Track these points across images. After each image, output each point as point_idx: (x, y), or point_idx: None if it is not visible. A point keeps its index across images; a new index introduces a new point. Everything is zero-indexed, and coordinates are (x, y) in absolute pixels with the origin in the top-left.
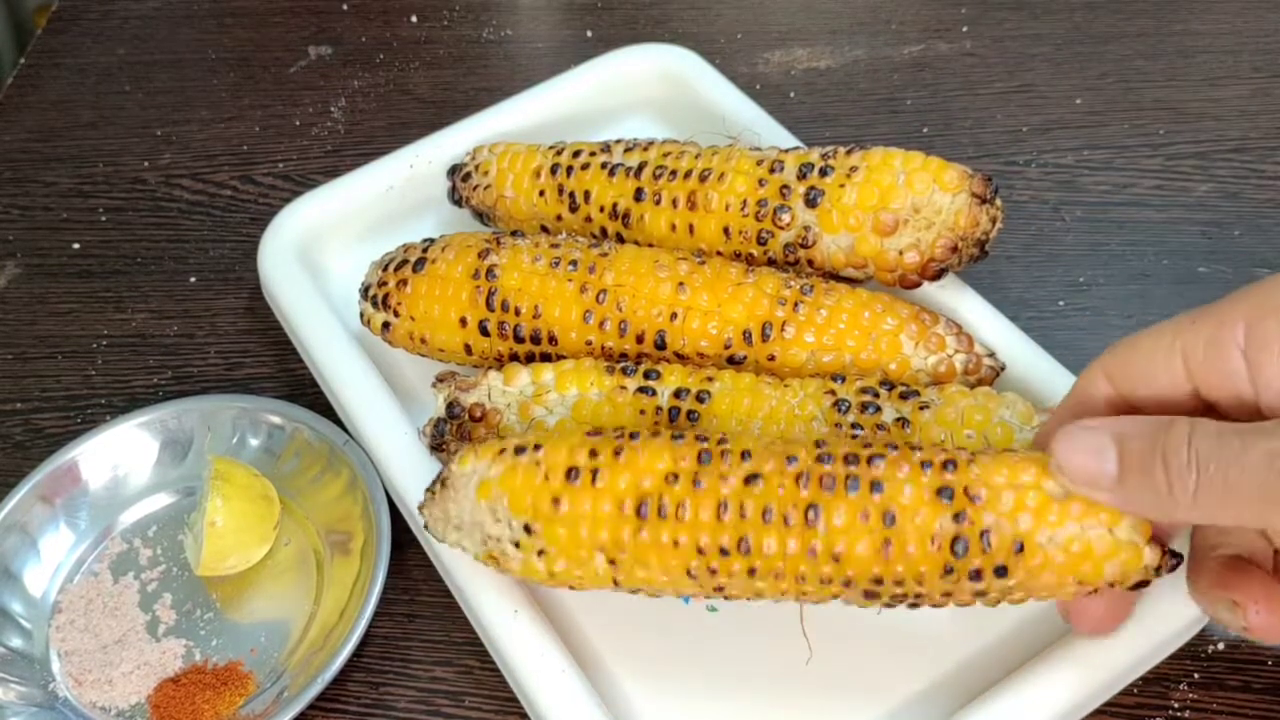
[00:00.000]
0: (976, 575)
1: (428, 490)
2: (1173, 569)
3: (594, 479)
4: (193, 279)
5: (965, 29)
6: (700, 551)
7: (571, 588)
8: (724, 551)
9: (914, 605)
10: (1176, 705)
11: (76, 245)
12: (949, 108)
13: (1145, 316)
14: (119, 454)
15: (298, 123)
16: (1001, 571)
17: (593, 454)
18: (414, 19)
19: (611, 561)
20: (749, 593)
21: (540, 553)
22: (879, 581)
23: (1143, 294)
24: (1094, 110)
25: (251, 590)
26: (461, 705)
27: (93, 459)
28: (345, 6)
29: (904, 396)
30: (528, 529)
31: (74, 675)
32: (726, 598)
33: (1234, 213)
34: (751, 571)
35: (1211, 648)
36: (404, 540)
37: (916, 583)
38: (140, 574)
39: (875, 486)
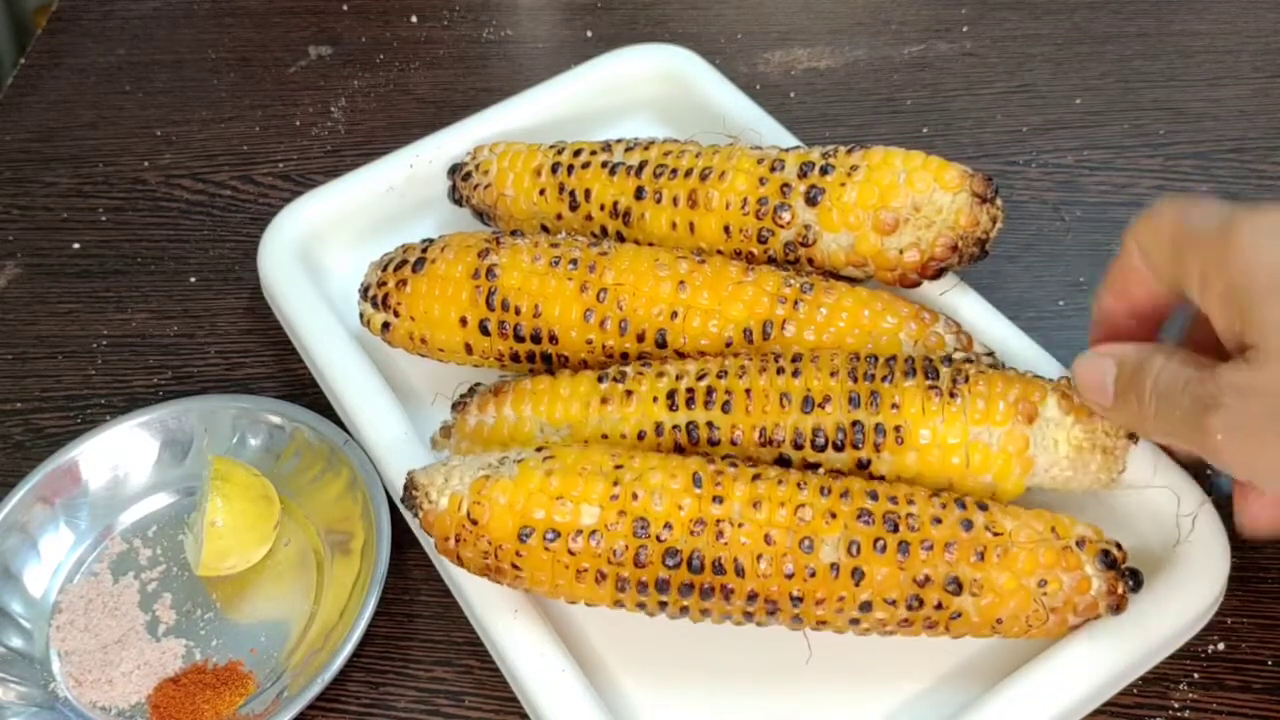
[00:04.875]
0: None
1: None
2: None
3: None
4: (193, 279)
5: (965, 29)
6: (710, 461)
7: (553, 535)
8: (732, 463)
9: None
10: (1176, 705)
11: (76, 245)
12: (949, 108)
13: None
14: (119, 454)
15: (298, 123)
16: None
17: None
18: (414, 19)
19: (617, 466)
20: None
21: (548, 458)
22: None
23: None
24: (1094, 110)
25: (251, 590)
26: (461, 705)
27: (93, 459)
28: (345, 6)
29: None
30: (541, 449)
31: (74, 675)
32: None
33: None
34: (755, 477)
35: (1211, 648)
36: (404, 540)
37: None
38: (140, 574)
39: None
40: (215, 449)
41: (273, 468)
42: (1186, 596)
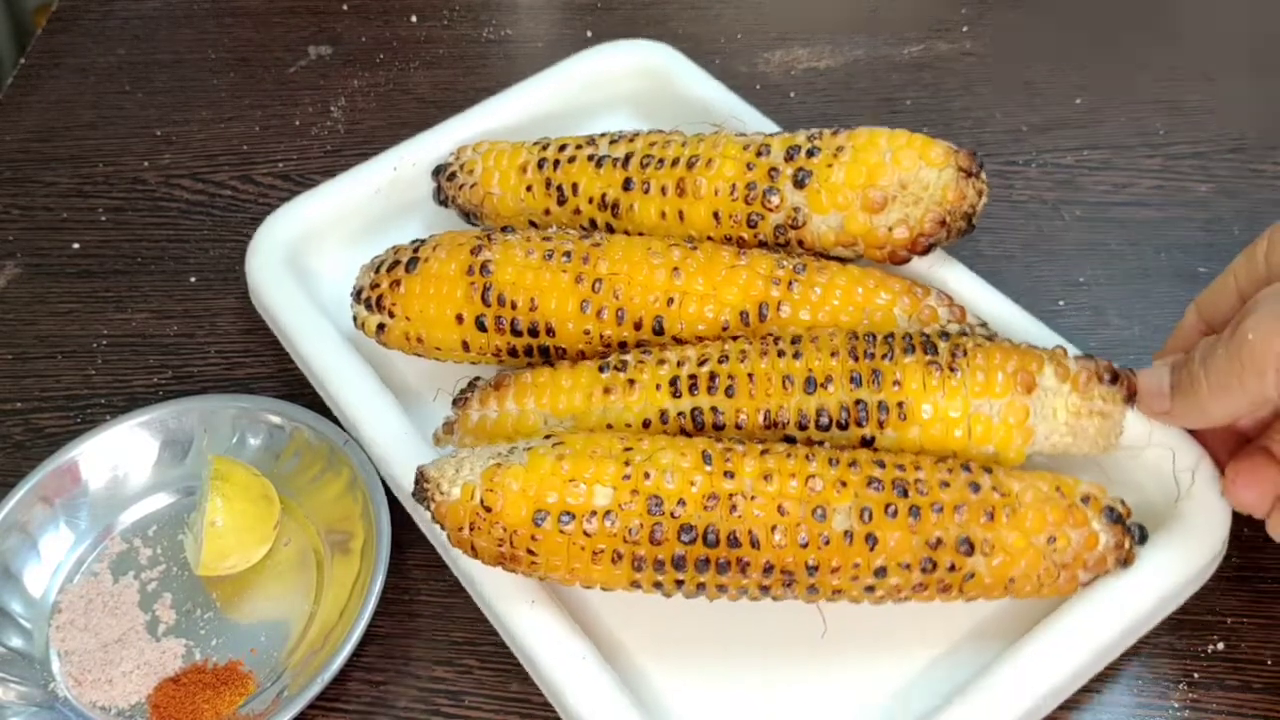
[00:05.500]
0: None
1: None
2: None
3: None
4: (193, 279)
5: (965, 29)
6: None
7: (569, 514)
8: (739, 441)
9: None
10: (1177, 705)
11: (76, 245)
12: (949, 108)
13: (1145, 316)
14: (119, 454)
15: (298, 123)
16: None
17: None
18: (414, 19)
19: (627, 448)
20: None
21: (557, 444)
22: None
23: (1143, 293)
24: (1094, 110)
25: (251, 590)
26: (461, 705)
27: (93, 459)
28: (345, 6)
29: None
30: (548, 437)
31: (74, 675)
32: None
33: (1233, 212)
34: (764, 452)
35: (1211, 648)
36: (404, 540)
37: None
38: (140, 574)
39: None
40: (215, 449)
41: (273, 467)
42: (1192, 547)
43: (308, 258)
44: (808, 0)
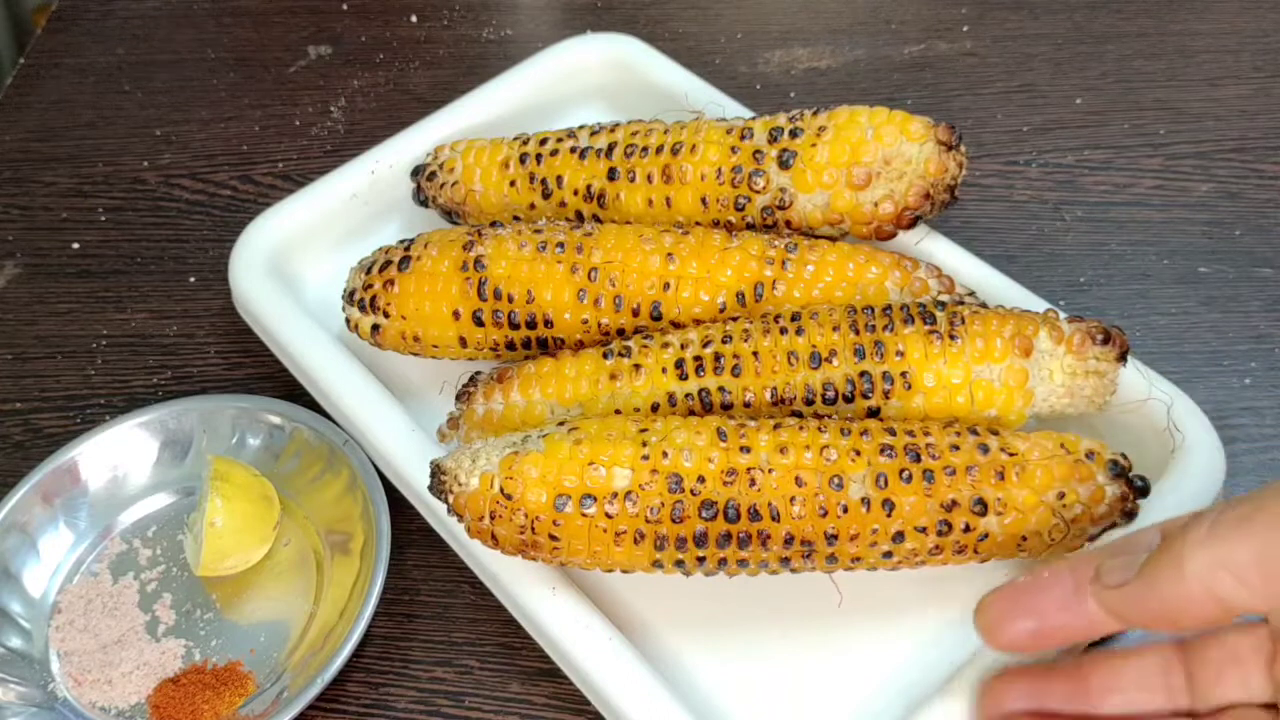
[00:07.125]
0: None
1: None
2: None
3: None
4: (193, 279)
5: (965, 29)
6: (730, 417)
7: (590, 495)
8: (751, 417)
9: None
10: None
11: (76, 245)
12: (949, 108)
13: (1146, 317)
14: (119, 454)
15: (297, 123)
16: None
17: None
18: (414, 19)
19: (641, 430)
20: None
21: (572, 430)
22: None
23: (1143, 294)
24: (1094, 110)
25: (251, 590)
26: (461, 705)
27: (92, 459)
28: (345, 6)
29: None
30: (562, 423)
31: (74, 675)
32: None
33: (1234, 212)
34: (776, 426)
35: None
36: (404, 540)
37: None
38: (140, 574)
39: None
40: (215, 449)
41: (272, 468)
42: (1188, 498)
43: (290, 264)
44: (808, 0)
